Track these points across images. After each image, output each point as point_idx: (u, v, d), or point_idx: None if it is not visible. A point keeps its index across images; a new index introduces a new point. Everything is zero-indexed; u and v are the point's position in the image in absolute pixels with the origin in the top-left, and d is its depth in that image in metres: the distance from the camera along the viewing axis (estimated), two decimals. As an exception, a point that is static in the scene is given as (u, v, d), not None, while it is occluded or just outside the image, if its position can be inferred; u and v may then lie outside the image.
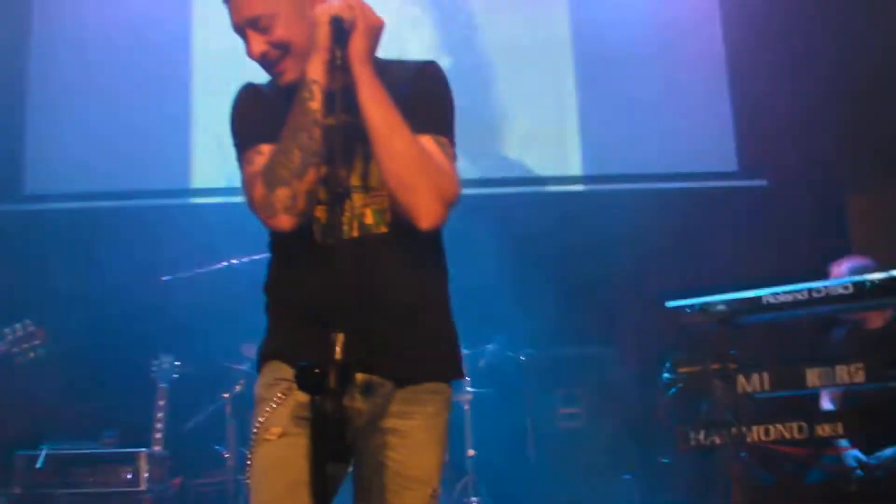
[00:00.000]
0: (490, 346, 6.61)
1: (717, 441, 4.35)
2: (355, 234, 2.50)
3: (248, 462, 2.43)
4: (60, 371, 5.94)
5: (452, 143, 2.56)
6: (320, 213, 2.48)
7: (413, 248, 2.51)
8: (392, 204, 2.47)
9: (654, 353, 5.45)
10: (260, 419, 2.43)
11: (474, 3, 7.50)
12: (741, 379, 4.29)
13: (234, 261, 6.01)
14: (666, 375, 4.60)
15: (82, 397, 6.22)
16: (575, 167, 7.24)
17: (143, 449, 5.43)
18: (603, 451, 6.36)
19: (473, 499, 6.27)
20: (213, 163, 6.99)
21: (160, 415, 5.77)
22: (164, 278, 6.09)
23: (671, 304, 4.53)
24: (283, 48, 2.49)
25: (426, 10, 7.49)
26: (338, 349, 2.06)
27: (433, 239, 2.60)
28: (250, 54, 2.54)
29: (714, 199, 7.18)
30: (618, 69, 7.24)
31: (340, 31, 2.33)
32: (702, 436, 4.39)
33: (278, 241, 2.59)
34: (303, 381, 2.06)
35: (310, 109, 2.35)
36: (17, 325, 4.83)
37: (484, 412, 6.58)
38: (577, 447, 6.46)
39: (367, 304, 2.40)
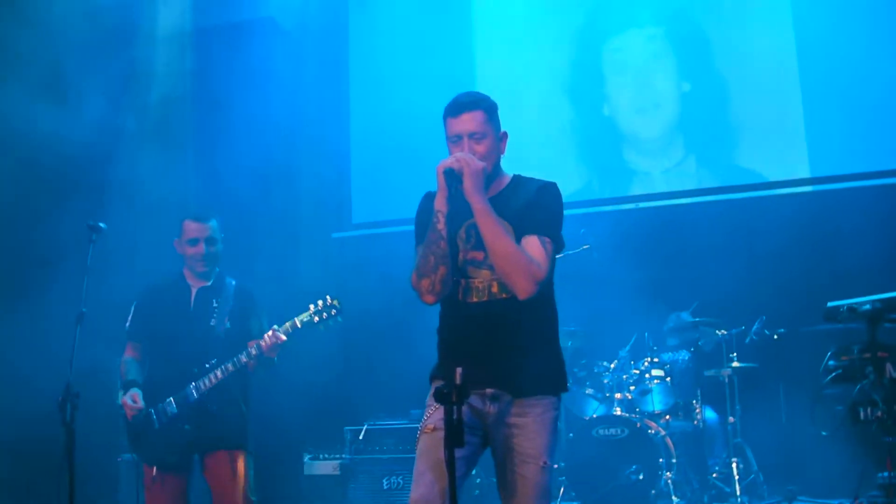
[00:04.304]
0: (754, 327, 7.54)
1: (881, 416, 5.14)
2: (485, 298, 3.80)
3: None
4: (380, 358, 7.39)
5: (554, 240, 3.79)
6: (463, 284, 3.81)
7: (526, 306, 3.73)
8: None
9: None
10: (424, 418, 3.80)
11: (709, 31, 8.48)
12: (888, 366, 5.10)
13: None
14: (831, 363, 5.45)
15: (398, 381, 7.74)
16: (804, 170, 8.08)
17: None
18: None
19: (734, 459, 7.31)
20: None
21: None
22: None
23: (831, 303, 5.38)
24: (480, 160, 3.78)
25: (667, 44, 8.60)
26: (457, 377, 3.34)
27: (542, 299, 3.81)
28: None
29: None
30: (841, 72, 7.93)
31: (452, 176, 3.65)
32: (868, 412, 5.20)
33: (441, 304, 3.93)
34: (438, 397, 3.31)
35: (437, 230, 3.69)
36: (319, 300, 5.43)
37: (747, 383, 7.60)
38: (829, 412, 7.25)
39: (493, 344, 3.75)
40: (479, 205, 3.66)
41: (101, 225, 4.86)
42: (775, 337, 7.47)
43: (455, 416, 3.25)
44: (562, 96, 8.93)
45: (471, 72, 8.98)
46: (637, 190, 8.61)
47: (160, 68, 8.22)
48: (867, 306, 5.17)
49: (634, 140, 8.70)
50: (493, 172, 3.87)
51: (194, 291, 5.56)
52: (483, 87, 8.70)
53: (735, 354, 7.55)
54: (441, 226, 3.70)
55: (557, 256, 7.22)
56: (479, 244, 3.77)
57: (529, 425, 3.76)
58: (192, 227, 5.55)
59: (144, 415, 5.31)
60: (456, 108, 3.85)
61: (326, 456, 7.11)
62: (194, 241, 5.52)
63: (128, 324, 5.59)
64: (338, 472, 6.80)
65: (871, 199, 7.70)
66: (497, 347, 3.77)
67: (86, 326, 4.74)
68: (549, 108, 8.89)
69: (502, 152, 3.93)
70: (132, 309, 5.59)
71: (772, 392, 7.57)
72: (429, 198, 3.93)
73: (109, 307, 5.81)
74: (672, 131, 8.59)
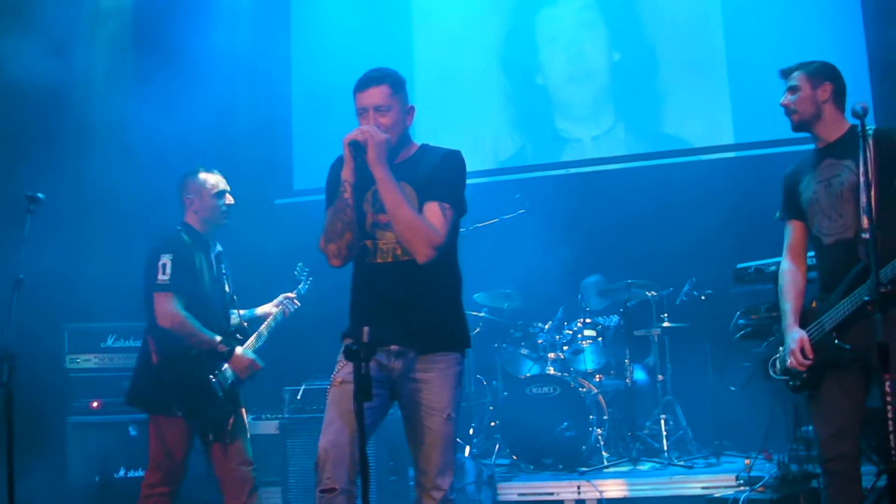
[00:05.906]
0: (684, 289, 7.79)
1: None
2: (390, 259, 4.02)
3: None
4: (318, 320, 7.51)
5: (453, 206, 3.99)
6: (370, 245, 4.01)
7: (429, 268, 3.95)
8: None
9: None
10: (334, 373, 4.02)
11: (639, 1, 8.75)
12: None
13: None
14: (740, 321, 5.70)
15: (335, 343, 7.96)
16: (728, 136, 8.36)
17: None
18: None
19: (664, 416, 7.60)
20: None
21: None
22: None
23: (739, 265, 5.63)
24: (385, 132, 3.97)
25: (598, 14, 8.86)
26: (364, 336, 3.54)
27: (444, 261, 4.02)
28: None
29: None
30: (766, 45, 8.18)
31: (357, 148, 3.84)
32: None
33: (353, 264, 4.13)
34: (347, 355, 3.51)
35: (343, 198, 3.90)
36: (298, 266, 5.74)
37: (677, 342, 7.86)
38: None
39: (397, 304, 3.97)
40: (381, 174, 3.86)
41: (40, 195, 4.91)
42: (703, 298, 7.71)
43: (363, 372, 3.45)
44: (496, 66, 9.19)
45: (409, 42, 9.24)
46: (568, 156, 8.89)
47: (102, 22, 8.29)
48: (773, 268, 5.42)
49: (566, 108, 8.98)
50: (400, 143, 4.07)
51: (212, 255, 5.41)
52: (420, 58, 9.04)
53: (666, 315, 7.81)
54: (347, 195, 3.89)
55: (491, 222, 7.49)
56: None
57: (434, 380, 4.00)
58: (216, 179, 5.37)
59: (206, 383, 5.20)
60: (362, 83, 4.05)
61: (268, 416, 7.31)
62: (222, 194, 5.37)
63: (166, 277, 5.10)
64: (278, 432, 6.97)
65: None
66: (400, 306, 3.99)
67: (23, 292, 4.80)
68: (484, 77, 9.16)
69: (409, 124, 4.13)
70: (168, 261, 5.13)
71: (700, 351, 7.79)
72: (340, 162, 4.10)
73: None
74: (602, 99, 8.88)
